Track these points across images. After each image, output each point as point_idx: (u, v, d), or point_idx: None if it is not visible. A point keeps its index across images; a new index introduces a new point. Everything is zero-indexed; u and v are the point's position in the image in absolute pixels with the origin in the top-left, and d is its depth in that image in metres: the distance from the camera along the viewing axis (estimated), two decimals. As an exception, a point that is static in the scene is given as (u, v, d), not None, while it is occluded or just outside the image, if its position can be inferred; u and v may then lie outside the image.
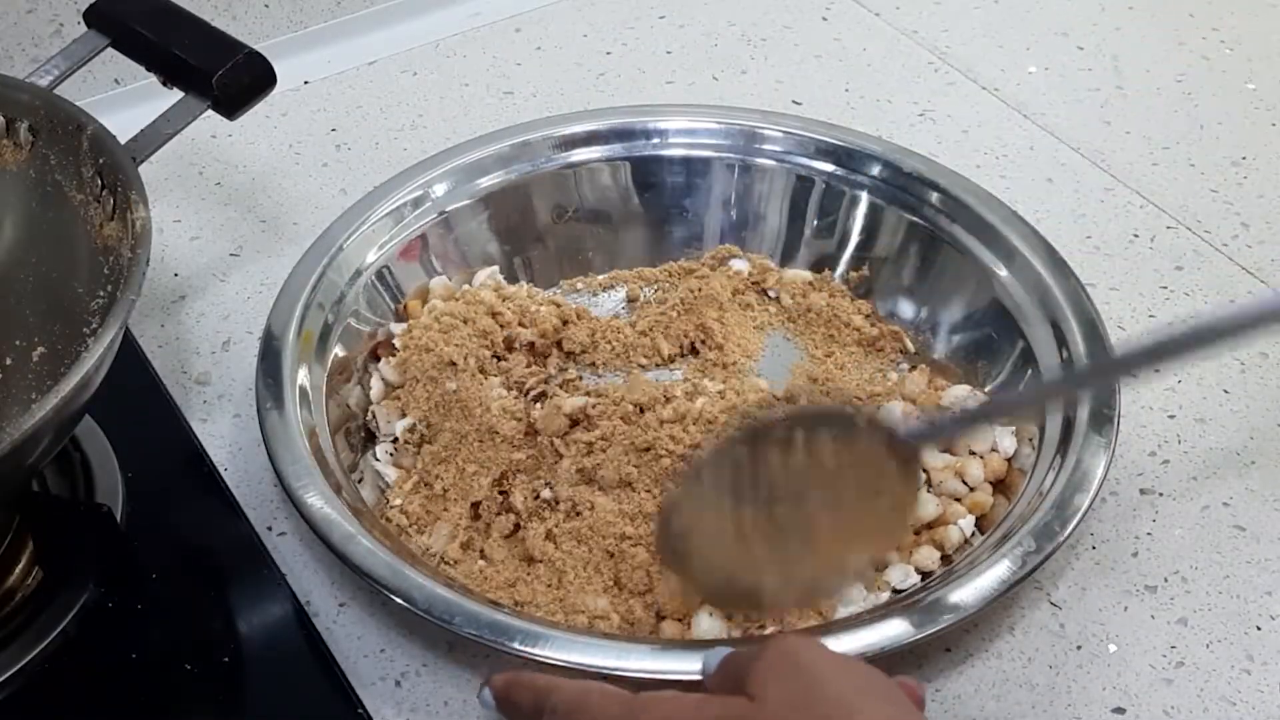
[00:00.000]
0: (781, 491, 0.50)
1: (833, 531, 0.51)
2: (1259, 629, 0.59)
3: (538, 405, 0.63)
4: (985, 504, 0.61)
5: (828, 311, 0.71)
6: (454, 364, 0.64)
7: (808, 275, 0.74)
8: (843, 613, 0.58)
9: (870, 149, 0.74)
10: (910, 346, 0.70)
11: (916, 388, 0.67)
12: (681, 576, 0.54)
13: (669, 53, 0.94)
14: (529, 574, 0.59)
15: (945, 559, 0.60)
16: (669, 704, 0.43)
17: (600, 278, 0.75)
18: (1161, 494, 0.64)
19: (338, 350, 0.66)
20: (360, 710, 0.55)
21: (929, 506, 0.61)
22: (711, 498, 0.50)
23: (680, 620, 0.56)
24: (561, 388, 0.65)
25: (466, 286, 0.72)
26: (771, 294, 0.73)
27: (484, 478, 0.61)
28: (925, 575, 0.59)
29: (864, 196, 0.74)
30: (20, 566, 0.59)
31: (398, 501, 0.62)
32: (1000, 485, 0.62)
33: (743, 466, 0.50)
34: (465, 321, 0.67)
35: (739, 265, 0.74)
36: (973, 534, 0.61)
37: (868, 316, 0.72)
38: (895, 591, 0.59)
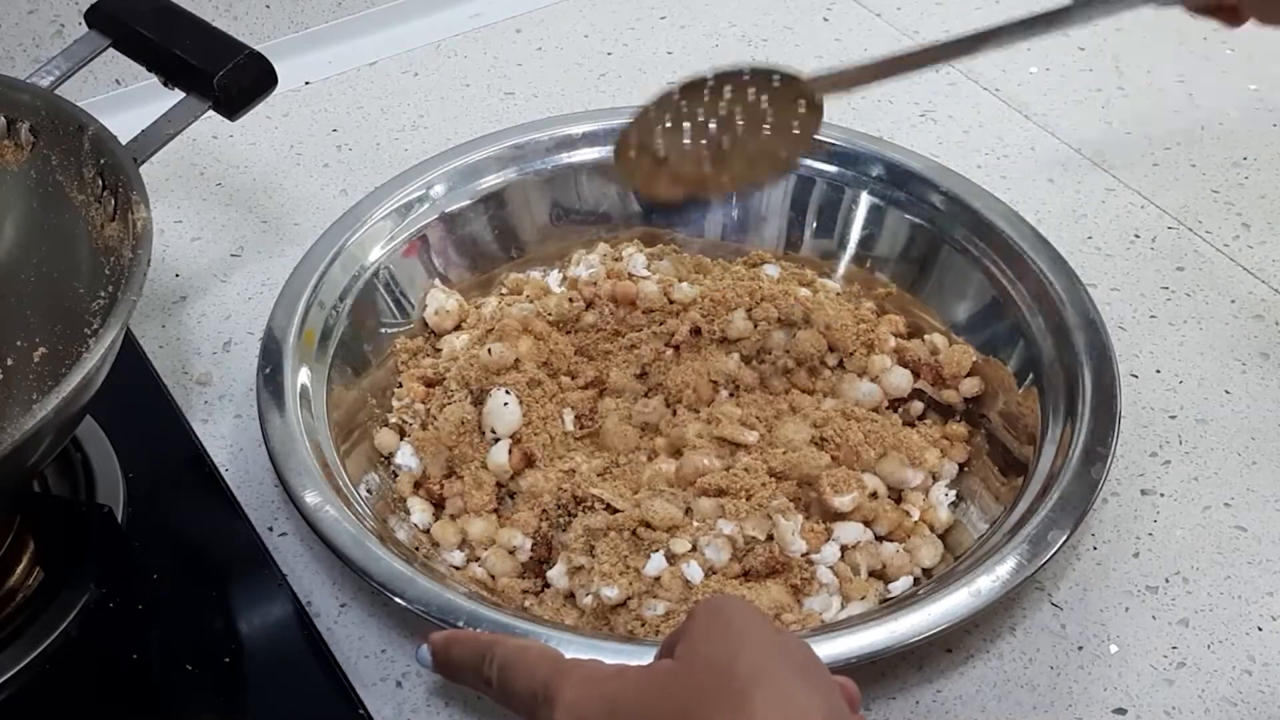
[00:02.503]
0: (713, 117, 0.62)
1: (754, 139, 0.63)
2: (1260, 630, 0.59)
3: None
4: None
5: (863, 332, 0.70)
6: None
7: (837, 287, 0.73)
8: (843, 614, 0.58)
9: (871, 149, 0.74)
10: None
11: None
12: (635, 176, 0.64)
13: (670, 53, 0.94)
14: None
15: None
16: (592, 666, 0.44)
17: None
18: (1162, 494, 0.64)
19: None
20: (361, 711, 0.55)
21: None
22: (658, 124, 0.62)
23: None
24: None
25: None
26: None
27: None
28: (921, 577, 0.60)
29: (865, 197, 0.74)
30: (21, 567, 0.60)
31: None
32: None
33: (681, 105, 0.62)
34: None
35: (771, 271, 0.73)
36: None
37: (898, 335, 0.70)
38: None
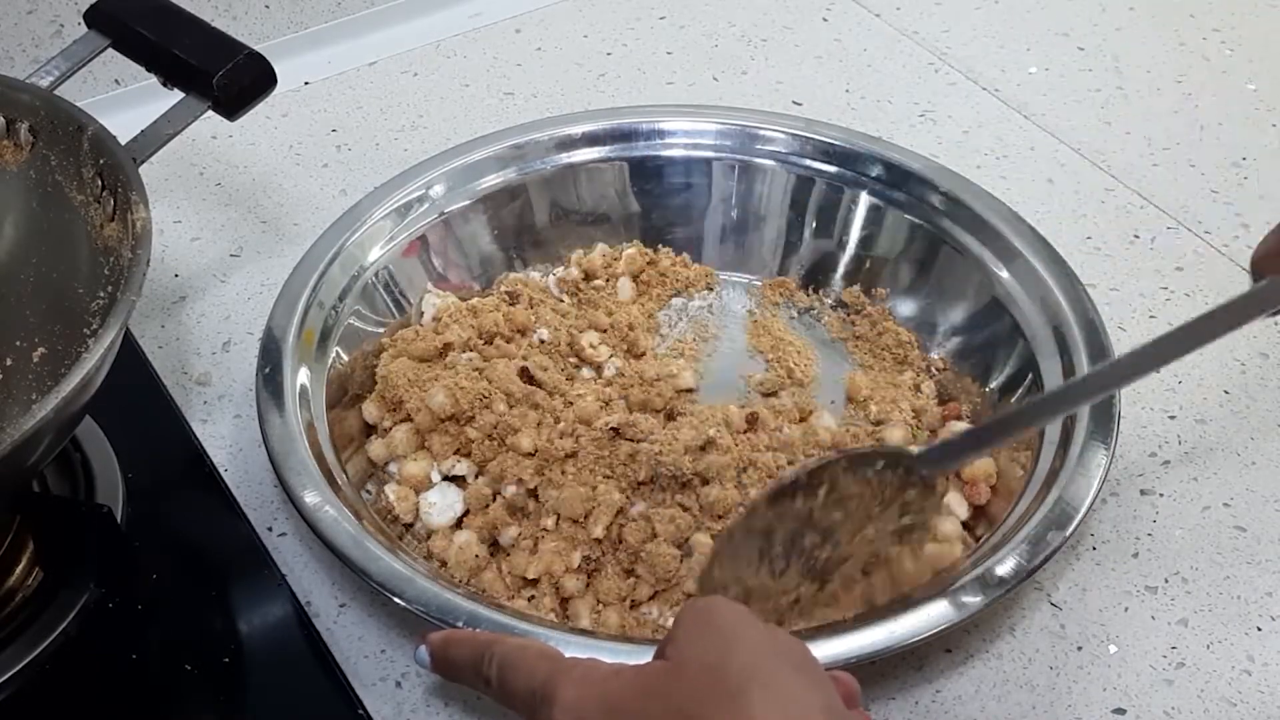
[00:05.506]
0: (811, 540, 0.53)
1: (858, 568, 0.54)
2: (1259, 630, 0.59)
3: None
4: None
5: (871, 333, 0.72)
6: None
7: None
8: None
9: (871, 149, 0.74)
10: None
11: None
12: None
13: (669, 53, 0.94)
14: None
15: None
16: (589, 665, 0.44)
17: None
18: (1162, 494, 0.64)
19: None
20: (360, 711, 0.55)
21: (957, 546, 0.59)
22: (747, 554, 0.53)
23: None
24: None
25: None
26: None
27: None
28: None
29: (864, 197, 0.74)
30: (21, 567, 0.60)
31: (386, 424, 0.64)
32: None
33: (772, 524, 0.53)
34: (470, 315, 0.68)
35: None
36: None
37: (901, 340, 0.71)
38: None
